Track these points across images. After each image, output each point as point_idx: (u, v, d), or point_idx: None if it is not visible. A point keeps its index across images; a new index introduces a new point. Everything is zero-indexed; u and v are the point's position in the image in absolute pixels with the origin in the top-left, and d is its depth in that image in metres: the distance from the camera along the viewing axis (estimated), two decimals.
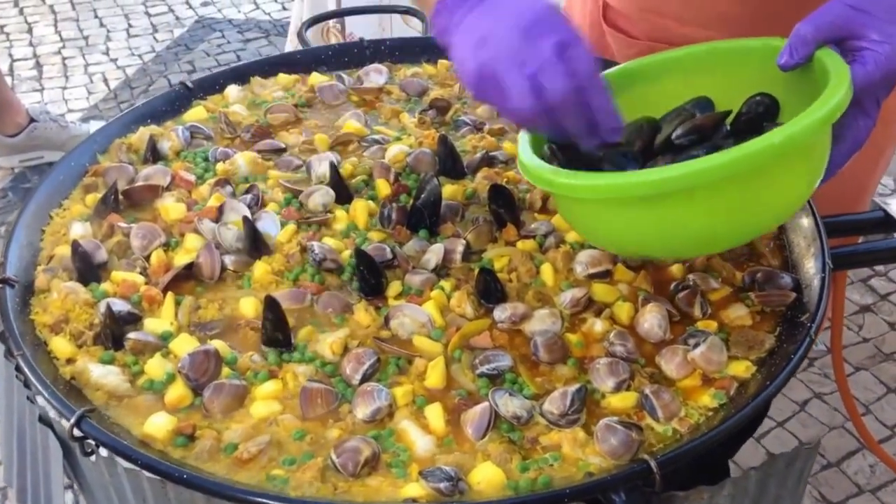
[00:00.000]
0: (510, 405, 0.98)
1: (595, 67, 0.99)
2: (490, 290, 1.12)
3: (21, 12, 4.20)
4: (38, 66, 3.81)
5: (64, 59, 3.85)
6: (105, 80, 3.70)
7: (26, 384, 1.01)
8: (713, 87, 1.13)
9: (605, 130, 1.01)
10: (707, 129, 1.07)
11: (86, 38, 4.00)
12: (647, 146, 1.09)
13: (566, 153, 1.06)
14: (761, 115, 1.08)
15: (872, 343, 2.47)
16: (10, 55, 3.86)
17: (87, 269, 1.15)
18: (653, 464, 0.89)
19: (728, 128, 1.10)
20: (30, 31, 4.06)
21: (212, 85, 1.54)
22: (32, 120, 3.11)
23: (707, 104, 1.13)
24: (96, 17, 4.17)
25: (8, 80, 3.51)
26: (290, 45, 2.96)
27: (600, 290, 1.13)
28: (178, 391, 1.00)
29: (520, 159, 1.06)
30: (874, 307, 2.59)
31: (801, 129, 0.90)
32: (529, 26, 0.96)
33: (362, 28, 2.58)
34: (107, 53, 3.88)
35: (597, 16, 1.59)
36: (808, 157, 0.98)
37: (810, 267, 1.13)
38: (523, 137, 1.08)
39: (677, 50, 1.17)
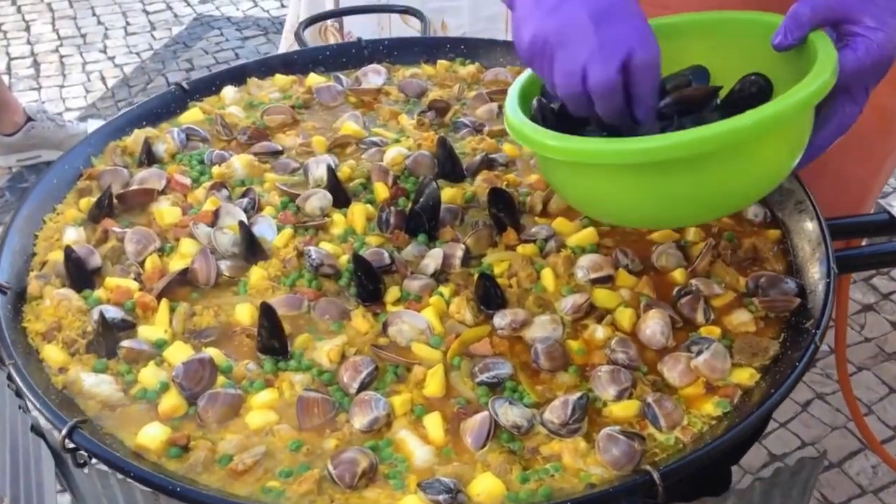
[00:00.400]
0: (510, 414, 0.96)
1: (656, 64, 0.99)
2: (490, 296, 1.10)
3: (18, 10, 4.17)
4: (36, 64, 3.79)
5: (61, 57, 3.83)
6: (103, 79, 3.68)
7: (18, 393, 0.99)
8: (715, 56, 1.13)
9: (639, 115, 1.02)
10: (695, 101, 1.08)
11: (83, 36, 3.98)
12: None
13: (552, 111, 1.07)
14: (754, 94, 1.08)
15: (875, 343, 2.46)
16: (8, 53, 3.83)
17: (81, 276, 1.14)
18: (655, 475, 0.87)
19: (718, 101, 1.10)
20: (27, 29, 4.03)
21: (208, 86, 1.52)
22: (29, 119, 3.09)
23: (703, 73, 1.13)
24: (94, 14, 4.14)
25: (5, 78, 3.48)
26: (286, 43, 2.94)
27: (602, 296, 1.11)
28: (171, 401, 0.98)
29: (507, 117, 1.06)
30: (876, 306, 2.57)
31: (775, 112, 0.93)
32: (601, 12, 0.96)
33: (361, 27, 2.56)
34: (105, 52, 3.86)
35: None
36: (787, 136, 0.99)
37: (815, 272, 1.11)
38: (513, 92, 1.09)
39: (685, 15, 1.17)
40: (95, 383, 1.00)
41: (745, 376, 1.01)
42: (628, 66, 0.97)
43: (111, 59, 3.82)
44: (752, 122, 0.92)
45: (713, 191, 1.00)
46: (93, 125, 3.11)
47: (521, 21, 1.01)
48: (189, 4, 4.20)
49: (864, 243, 1.43)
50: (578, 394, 0.97)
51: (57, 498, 1.04)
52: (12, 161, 3.12)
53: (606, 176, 1.00)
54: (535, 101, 1.08)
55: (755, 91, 1.07)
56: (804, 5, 1.02)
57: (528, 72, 1.14)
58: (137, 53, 3.84)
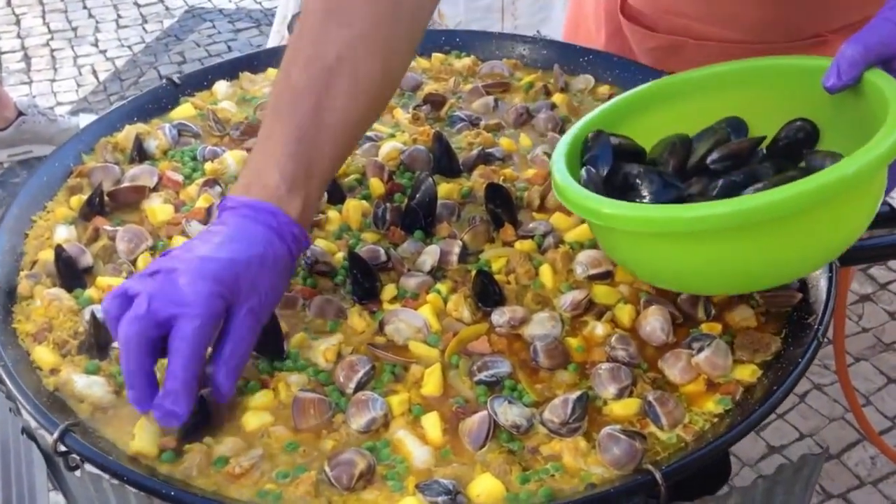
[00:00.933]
0: (509, 414, 0.95)
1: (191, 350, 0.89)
2: (488, 293, 1.09)
3: (9, 3, 4.14)
4: (27, 58, 3.76)
5: (52, 51, 3.80)
6: (94, 72, 3.66)
7: (9, 396, 0.97)
8: (746, 105, 1.09)
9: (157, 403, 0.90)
10: (743, 154, 1.03)
11: (74, 29, 3.95)
12: (680, 166, 1.06)
13: (600, 175, 1.03)
14: (801, 141, 1.04)
15: (872, 333, 2.45)
16: None
17: (72, 275, 1.12)
18: (657, 475, 0.86)
19: (764, 152, 1.06)
20: (17, 22, 4.00)
21: (200, 81, 1.50)
22: (21, 114, 3.07)
23: (739, 124, 1.09)
24: (85, 7, 4.12)
25: None
26: (277, 36, 2.91)
27: (601, 292, 1.10)
28: None
29: (556, 183, 1.01)
30: (874, 296, 2.57)
31: (872, 159, 0.86)
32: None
33: None
34: (96, 45, 3.83)
35: (614, 7, 1.55)
36: (870, 189, 0.93)
37: None
38: (559, 156, 1.04)
39: (712, 67, 1.13)
40: (87, 385, 0.98)
41: (747, 373, 1.00)
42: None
43: (103, 52, 3.79)
44: (856, 170, 0.85)
45: (790, 255, 0.93)
46: (84, 119, 3.09)
47: None
48: None
49: (864, 236, 1.41)
50: (578, 392, 0.96)
51: (49, 500, 1.03)
52: (3, 156, 3.10)
53: (678, 244, 0.93)
54: (583, 172, 1.03)
55: (802, 137, 1.03)
56: (855, 44, 0.97)
57: (571, 132, 1.09)
58: (129, 47, 3.82)
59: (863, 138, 0.90)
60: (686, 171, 1.06)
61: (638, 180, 1.01)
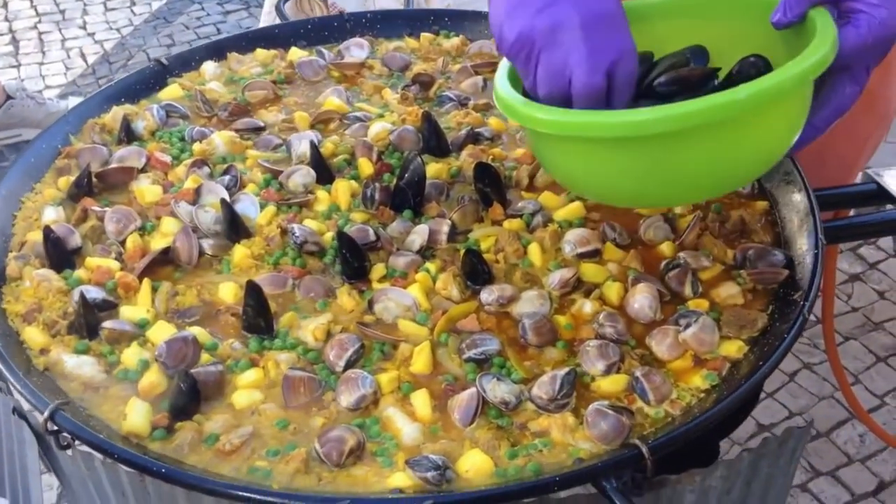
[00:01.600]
0: (498, 390, 0.95)
1: (635, 74, 1.00)
2: (476, 272, 1.09)
3: None
4: (14, 41, 3.72)
5: (40, 34, 3.76)
6: (83, 55, 3.63)
7: None
8: (713, 36, 1.11)
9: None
10: (692, 81, 1.05)
11: (62, 12, 3.91)
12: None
13: None
14: (753, 76, 1.04)
15: (861, 312, 2.46)
16: None
17: (60, 256, 1.12)
18: (644, 449, 0.87)
19: (717, 83, 1.08)
20: (5, 5, 3.96)
21: (187, 61, 1.50)
22: (9, 97, 3.04)
23: (703, 54, 1.11)
24: None
25: None
26: (268, 17, 2.89)
27: (589, 270, 1.10)
28: (150, 378, 0.97)
29: (496, 91, 1.03)
30: (863, 276, 2.58)
31: (772, 84, 0.91)
32: (592, 18, 0.95)
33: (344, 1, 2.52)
34: (84, 28, 3.80)
35: None
36: (785, 112, 0.97)
37: (803, 243, 1.11)
38: (503, 67, 1.06)
39: None
40: (77, 365, 0.99)
41: (734, 349, 1.01)
42: (612, 75, 0.97)
43: (91, 35, 3.76)
44: (749, 95, 0.90)
45: (707, 169, 0.97)
46: (73, 103, 3.07)
47: (505, 17, 0.99)
48: None
49: (851, 214, 1.42)
50: (566, 369, 0.96)
51: (42, 480, 1.03)
52: None
53: (600, 151, 0.97)
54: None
55: (754, 73, 1.04)
56: None
57: None
58: (117, 29, 3.79)
59: None
60: (637, 92, 1.06)
61: None
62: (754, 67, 1.05)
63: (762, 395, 2.22)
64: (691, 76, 1.05)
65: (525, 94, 1.04)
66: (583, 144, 0.98)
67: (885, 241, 2.66)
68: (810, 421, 1.02)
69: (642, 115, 0.91)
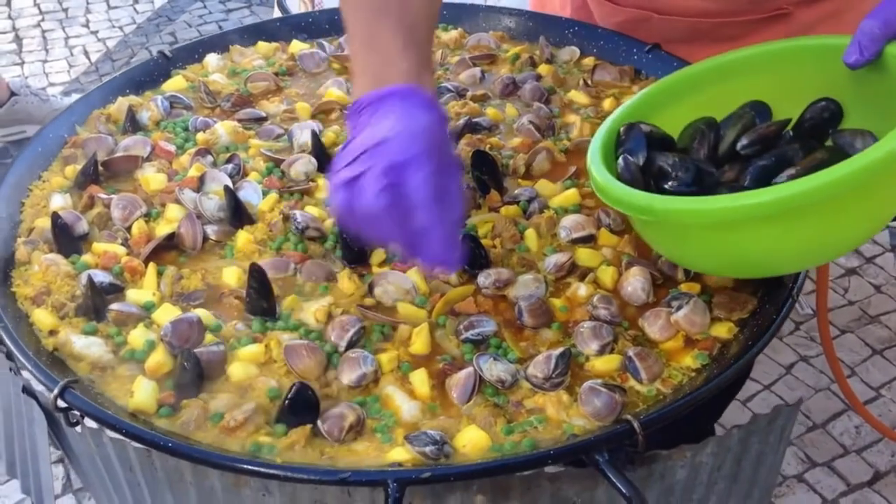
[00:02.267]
0: (494, 369, 0.98)
1: (430, 195, 0.92)
2: (475, 257, 1.12)
3: None
4: (18, 39, 3.75)
5: (44, 32, 3.79)
6: (86, 53, 3.65)
7: (9, 356, 1.00)
8: (768, 89, 1.11)
9: (428, 255, 0.95)
10: (771, 137, 1.05)
11: (65, 10, 3.94)
12: (711, 152, 1.07)
13: (637, 164, 1.03)
14: (826, 120, 1.06)
15: (858, 306, 2.48)
16: None
17: (68, 241, 1.14)
18: (635, 424, 0.89)
19: (791, 134, 1.08)
20: (8, 3, 3.99)
21: (191, 54, 1.52)
22: (13, 94, 3.07)
23: (763, 107, 1.11)
24: None
25: None
26: (278, 13, 2.92)
27: (584, 255, 1.13)
28: (157, 357, 1.00)
29: (596, 182, 1.00)
30: (860, 270, 2.60)
31: None
32: (386, 137, 0.92)
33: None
34: (87, 26, 3.83)
35: None
36: None
37: None
38: (595, 153, 1.04)
39: (732, 53, 1.14)
40: (85, 345, 1.01)
41: (724, 330, 1.03)
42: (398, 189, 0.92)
43: (94, 33, 3.79)
44: (881, 155, 0.86)
45: (829, 237, 0.93)
46: (75, 99, 3.09)
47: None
48: None
49: None
50: (561, 349, 0.99)
51: (51, 458, 1.05)
52: None
53: (723, 232, 0.94)
54: (621, 161, 1.03)
55: (827, 116, 1.05)
56: (874, 18, 0.99)
57: (603, 128, 1.09)
58: (120, 27, 3.81)
59: (888, 113, 0.91)
60: (717, 158, 1.07)
61: (672, 169, 1.01)
62: (827, 111, 1.05)
63: (759, 387, 2.25)
64: (769, 133, 1.05)
65: (629, 162, 1.02)
66: (696, 228, 0.95)
67: (882, 236, 2.68)
68: (798, 399, 1.04)
69: (792, 189, 0.88)
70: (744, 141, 1.05)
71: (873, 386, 2.27)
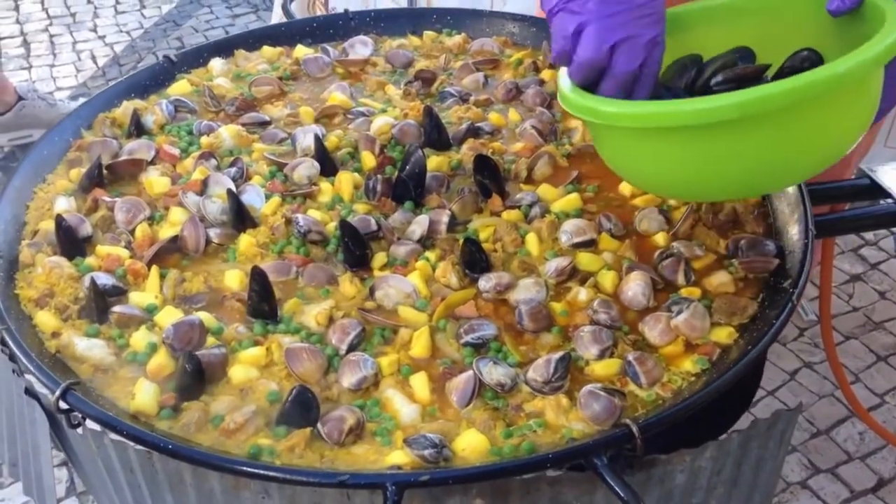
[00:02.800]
0: (494, 373, 0.98)
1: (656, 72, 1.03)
2: (475, 260, 1.12)
3: None
4: (26, 43, 3.77)
5: (51, 36, 3.81)
6: (93, 58, 3.67)
7: (12, 357, 1.01)
8: (756, 37, 1.13)
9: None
10: (747, 79, 1.06)
11: (73, 14, 3.96)
12: (689, 86, 1.09)
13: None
14: (805, 70, 1.05)
15: (862, 312, 2.48)
16: None
17: (72, 244, 1.15)
18: (634, 428, 0.89)
19: (768, 79, 1.08)
20: (16, 8, 4.01)
21: (195, 58, 1.53)
22: (20, 98, 3.08)
23: (748, 54, 1.13)
24: None
25: None
26: (276, 18, 2.93)
27: (585, 259, 1.13)
28: (159, 360, 1.00)
29: (561, 91, 1.04)
30: (864, 276, 2.59)
31: (855, 63, 0.90)
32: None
33: (346, 0, 2.55)
34: (94, 30, 3.84)
35: None
36: (862, 93, 0.97)
37: (794, 233, 1.13)
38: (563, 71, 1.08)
39: None
40: (88, 347, 1.02)
41: (724, 335, 1.03)
42: (615, 53, 1.00)
43: (101, 38, 3.80)
44: (848, 68, 0.89)
45: (778, 156, 0.96)
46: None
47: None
48: None
49: (844, 207, 1.44)
50: (561, 353, 0.99)
51: (54, 461, 1.06)
52: (4, 140, 3.12)
53: (673, 142, 0.97)
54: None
55: (807, 66, 1.05)
56: None
57: None
58: (127, 32, 3.83)
59: None
60: (693, 93, 1.08)
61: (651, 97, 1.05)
62: (808, 61, 1.06)
63: (763, 393, 2.24)
64: (745, 73, 1.06)
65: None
66: (654, 137, 0.98)
67: (886, 242, 2.68)
68: (799, 403, 1.04)
69: (748, 95, 0.91)
70: (719, 77, 1.07)
71: (877, 392, 2.26)
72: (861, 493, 2.01)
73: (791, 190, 1.18)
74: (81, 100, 3.24)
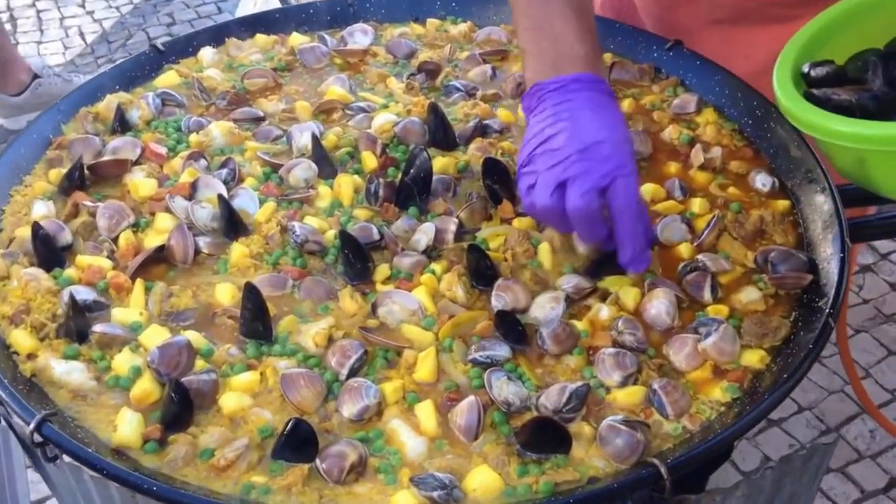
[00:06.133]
0: (505, 390, 0.91)
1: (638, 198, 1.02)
2: (481, 269, 1.04)
3: None
4: (13, 19, 3.67)
5: (38, 12, 3.71)
6: (81, 34, 3.57)
7: None
8: None
9: (630, 253, 1.01)
10: None
11: None
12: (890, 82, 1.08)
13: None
14: None
15: (872, 304, 2.42)
16: None
17: (50, 254, 1.07)
18: (663, 469, 0.82)
19: None
20: None
21: (184, 47, 1.44)
22: (36, 76, 2.99)
23: None
24: None
25: None
26: (248, 3, 2.82)
27: (608, 277, 1.05)
28: (144, 386, 0.93)
29: (788, 110, 1.07)
30: (874, 267, 2.54)
31: None
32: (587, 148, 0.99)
33: None
34: (83, 6, 3.74)
35: None
36: None
37: (827, 246, 1.06)
38: (782, 81, 1.10)
39: None
40: (66, 371, 0.94)
41: (756, 359, 0.96)
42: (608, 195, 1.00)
43: (90, 13, 3.71)
44: None
45: None
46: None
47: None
48: None
49: (873, 211, 1.37)
50: (580, 383, 0.92)
51: (30, 488, 0.99)
52: (23, 123, 3.00)
53: None
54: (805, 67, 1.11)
55: None
56: None
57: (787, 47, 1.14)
58: (117, 8, 3.73)
59: None
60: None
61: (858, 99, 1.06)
62: None
63: None
64: None
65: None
66: None
67: None
68: (835, 439, 0.97)
69: None
70: None
71: (888, 388, 2.22)
72: (872, 493, 1.97)
73: (822, 199, 1.11)
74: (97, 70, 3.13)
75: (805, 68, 1.13)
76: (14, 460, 0.94)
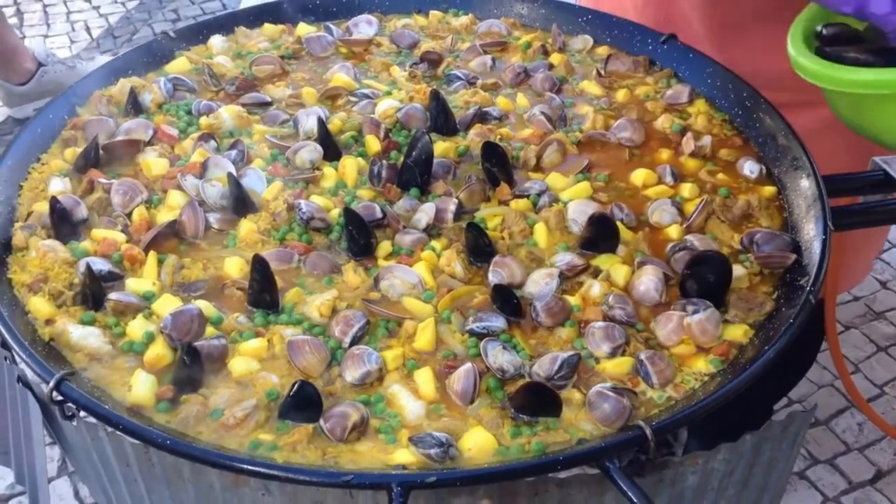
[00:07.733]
0: (500, 358, 0.96)
1: None
2: (479, 246, 1.09)
3: None
4: (19, 13, 3.70)
5: (45, 6, 3.74)
6: (87, 29, 3.61)
7: (4, 345, 0.98)
8: None
9: None
10: None
11: None
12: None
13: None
14: None
15: (863, 301, 2.46)
16: None
17: (67, 227, 1.12)
18: (648, 431, 0.87)
19: None
20: None
21: (195, 35, 1.49)
22: (41, 65, 3.00)
23: None
24: None
25: None
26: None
27: (600, 255, 1.10)
28: (156, 350, 0.97)
29: (799, 63, 1.11)
30: None
31: None
32: None
33: None
34: (89, 1, 3.78)
35: None
36: None
37: (810, 228, 1.10)
38: (794, 36, 1.15)
39: None
40: (83, 336, 0.99)
41: (740, 333, 1.01)
42: None
43: (96, 8, 3.74)
44: None
45: None
46: (102, 62, 3.02)
47: None
48: None
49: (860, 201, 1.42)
50: (571, 353, 0.96)
51: (46, 449, 1.03)
52: (29, 111, 3.01)
53: None
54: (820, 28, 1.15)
55: None
56: None
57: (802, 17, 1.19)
58: (122, 3, 3.76)
59: None
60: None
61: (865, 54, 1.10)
62: None
63: None
64: None
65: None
66: None
67: (890, 231, 2.66)
68: (813, 406, 1.02)
69: None
70: None
71: (877, 383, 2.26)
72: (859, 484, 2.00)
73: (807, 184, 1.15)
74: (99, 58, 3.15)
75: (819, 28, 1.17)
76: (32, 419, 0.97)
